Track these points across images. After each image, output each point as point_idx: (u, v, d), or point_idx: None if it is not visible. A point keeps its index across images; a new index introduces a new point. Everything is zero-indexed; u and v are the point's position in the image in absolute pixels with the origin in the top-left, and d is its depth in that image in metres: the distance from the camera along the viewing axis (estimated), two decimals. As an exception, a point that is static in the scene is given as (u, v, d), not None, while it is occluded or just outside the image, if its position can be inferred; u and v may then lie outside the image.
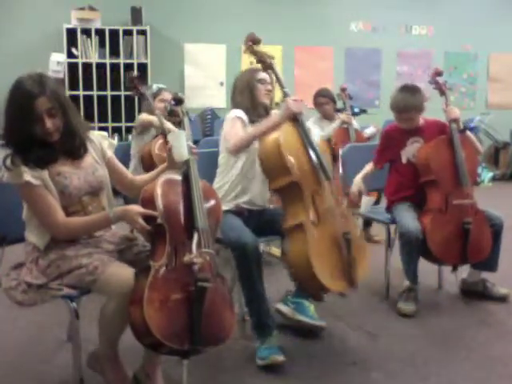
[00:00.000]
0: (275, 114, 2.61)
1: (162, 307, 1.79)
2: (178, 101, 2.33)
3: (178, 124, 2.29)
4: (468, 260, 2.95)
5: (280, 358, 2.31)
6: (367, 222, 4.33)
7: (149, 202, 1.96)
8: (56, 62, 6.39)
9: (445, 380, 2.27)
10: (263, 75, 2.76)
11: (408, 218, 2.92)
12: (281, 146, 2.36)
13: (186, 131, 2.20)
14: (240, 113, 2.65)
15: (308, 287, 2.44)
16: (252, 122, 2.65)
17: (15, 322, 2.72)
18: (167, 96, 3.86)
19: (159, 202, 1.94)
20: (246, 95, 2.71)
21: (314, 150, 2.45)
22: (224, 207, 2.58)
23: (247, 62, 7.42)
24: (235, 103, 2.76)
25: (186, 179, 2.07)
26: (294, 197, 2.39)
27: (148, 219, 1.92)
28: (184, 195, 2.03)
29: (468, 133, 3.08)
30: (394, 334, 2.69)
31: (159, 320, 1.77)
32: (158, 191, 1.96)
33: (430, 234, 2.87)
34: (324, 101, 4.61)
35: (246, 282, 2.38)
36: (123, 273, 1.90)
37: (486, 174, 7.55)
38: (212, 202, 2.15)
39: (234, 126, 2.58)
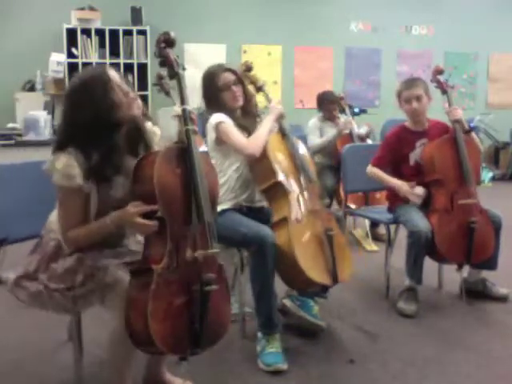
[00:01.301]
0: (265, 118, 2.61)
1: (166, 316, 1.66)
2: (170, 42, 1.85)
3: (171, 77, 1.84)
4: (473, 259, 2.95)
5: (284, 366, 2.32)
6: (374, 222, 4.33)
7: (145, 187, 1.71)
8: (56, 62, 6.39)
9: (445, 380, 2.27)
10: (224, 79, 2.57)
11: (417, 216, 2.92)
12: (267, 150, 2.49)
13: (184, 91, 1.81)
14: (221, 116, 2.54)
15: (294, 281, 2.46)
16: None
17: (15, 321, 2.72)
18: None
19: (158, 188, 1.68)
20: (216, 107, 2.58)
21: (296, 153, 2.60)
22: (223, 206, 2.59)
23: (247, 61, 7.44)
24: (210, 108, 2.62)
25: (186, 154, 1.76)
26: (278, 195, 2.51)
27: (147, 215, 1.71)
28: (183, 177, 1.74)
29: (473, 134, 3.08)
30: (394, 333, 2.69)
31: (164, 331, 1.65)
32: (156, 175, 1.68)
33: (437, 234, 2.87)
34: (333, 107, 4.64)
35: (259, 276, 2.35)
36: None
37: (486, 174, 7.55)
38: (211, 179, 1.88)
39: (234, 134, 2.51)
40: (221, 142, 2.58)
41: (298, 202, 2.49)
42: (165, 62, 1.83)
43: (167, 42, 1.83)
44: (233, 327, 2.67)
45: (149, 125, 1.97)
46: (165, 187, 1.70)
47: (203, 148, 4.43)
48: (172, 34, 1.83)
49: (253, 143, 2.49)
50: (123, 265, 1.85)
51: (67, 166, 1.74)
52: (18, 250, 2.32)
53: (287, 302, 2.76)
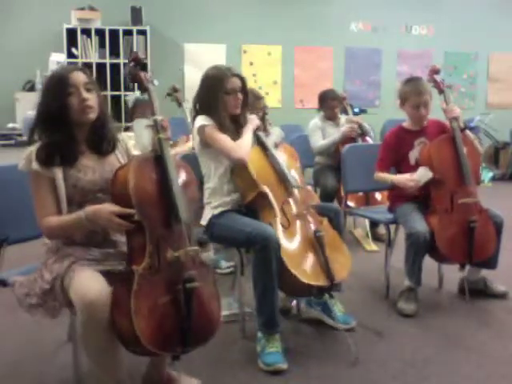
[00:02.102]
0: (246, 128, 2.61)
1: (150, 315, 1.69)
2: (140, 64, 1.99)
3: (144, 91, 2.00)
4: (474, 258, 2.95)
5: (284, 366, 2.31)
6: (374, 222, 4.32)
7: (122, 194, 1.77)
8: (56, 62, 6.38)
9: (445, 380, 2.27)
10: (232, 83, 2.54)
11: (416, 218, 2.92)
12: (248, 164, 2.50)
13: (154, 104, 1.96)
14: (207, 120, 2.54)
15: (289, 287, 2.46)
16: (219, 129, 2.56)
17: (15, 321, 2.72)
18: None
19: (134, 197, 1.74)
20: (213, 107, 2.54)
21: (277, 162, 2.60)
22: (222, 208, 2.58)
23: (247, 61, 7.44)
24: (200, 109, 2.61)
25: (160, 161, 1.86)
26: (264, 205, 2.53)
27: (122, 216, 1.76)
28: (159, 182, 1.83)
29: (467, 132, 3.08)
30: (394, 333, 2.69)
31: (150, 330, 1.67)
32: (132, 183, 1.75)
33: (438, 234, 2.87)
34: (335, 104, 4.62)
35: (263, 275, 2.33)
36: (93, 285, 1.72)
37: (486, 174, 7.55)
38: (188, 183, 1.96)
39: (222, 138, 2.51)
40: (206, 145, 2.57)
41: (283, 211, 2.50)
42: (135, 78, 2.00)
43: (135, 60, 1.98)
44: (233, 327, 2.68)
45: (121, 134, 2.13)
46: (140, 193, 1.77)
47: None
48: (139, 54, 2.01)
49: (241, 148, 2.50)
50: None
51: (30, 153, 1.87)
52: (18, 251, 2.33)
53: (308, 311, 2.81)
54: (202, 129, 2.54)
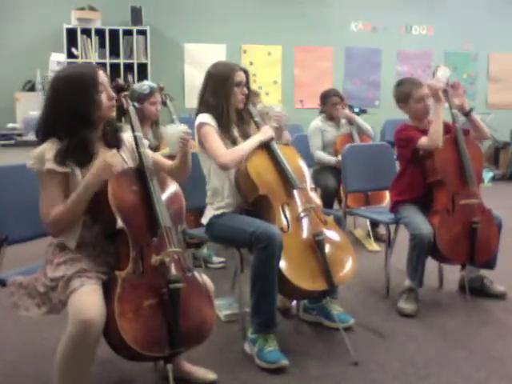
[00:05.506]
0: (254, 135, 2.58)
1: (135, 317, 1.74)
2: (120, 88, 2.09)
3: (123, 114, 2.13)
4: (476, 259, 2.95)
5: (286, 362, 2.32)
6: (375, 222, 4.31)
7: (106, 203, 1.85)
8: (56, 62, 6.37)
9: (445, 380, 2.27)
10: (241, 76, 2.60)
11: (419, 219, 2.92)
12: (247, 166, 2.49)
13: (134, 122, 2.07)
14: (208, 119, 2.55)
15: (287, 291, 2.46)
16: (222, 127, 2.56)
17: (15, 321, 2.72)
18: (158, 97, 3.58)
19: (115, 207, 1.84)
20: (221, 100, 2.55)
21: (281, 163, 2.55)
22: (224, 210, 2.58)
23: (247, 61, 7.43)
24: (205, 104, 2.61)
25: (141, 174, 1.97)
26: (264, 208, 2.51)
27: (108, 225, 1.86)
28: (141, 192, 1.94)
29: (473, 115, 3.08)
30: (394, 333, 2.69)
31: (135, 331, 1.72)
32: (111, 195, 1.86)
33: (439, 234, 2.87)
34: (338, 101, 4.62)
35: (265, 274, 2.32)
36: (93, 303, 1.74)
37: (486, 174, 7.54)
38: (171, 192, 2.06)
39: (214, 141, 2.51)
40: (201, 143, 2.58)
41: (284, 213, 2.49)
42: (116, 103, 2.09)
43: (116, 87, 2.07)
44: (233, 327, 2.69)
45: (124, 135, 2.12)
46: (118, 201, 1.86)
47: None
48: (120, 81, 2.10)
49: (229, 154, 2.48)
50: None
51: (41, 152, 1.86)
52: (18, 250, 2.33)
53: (306, 317, 2.80)
54: (199, 126, 2.55)
